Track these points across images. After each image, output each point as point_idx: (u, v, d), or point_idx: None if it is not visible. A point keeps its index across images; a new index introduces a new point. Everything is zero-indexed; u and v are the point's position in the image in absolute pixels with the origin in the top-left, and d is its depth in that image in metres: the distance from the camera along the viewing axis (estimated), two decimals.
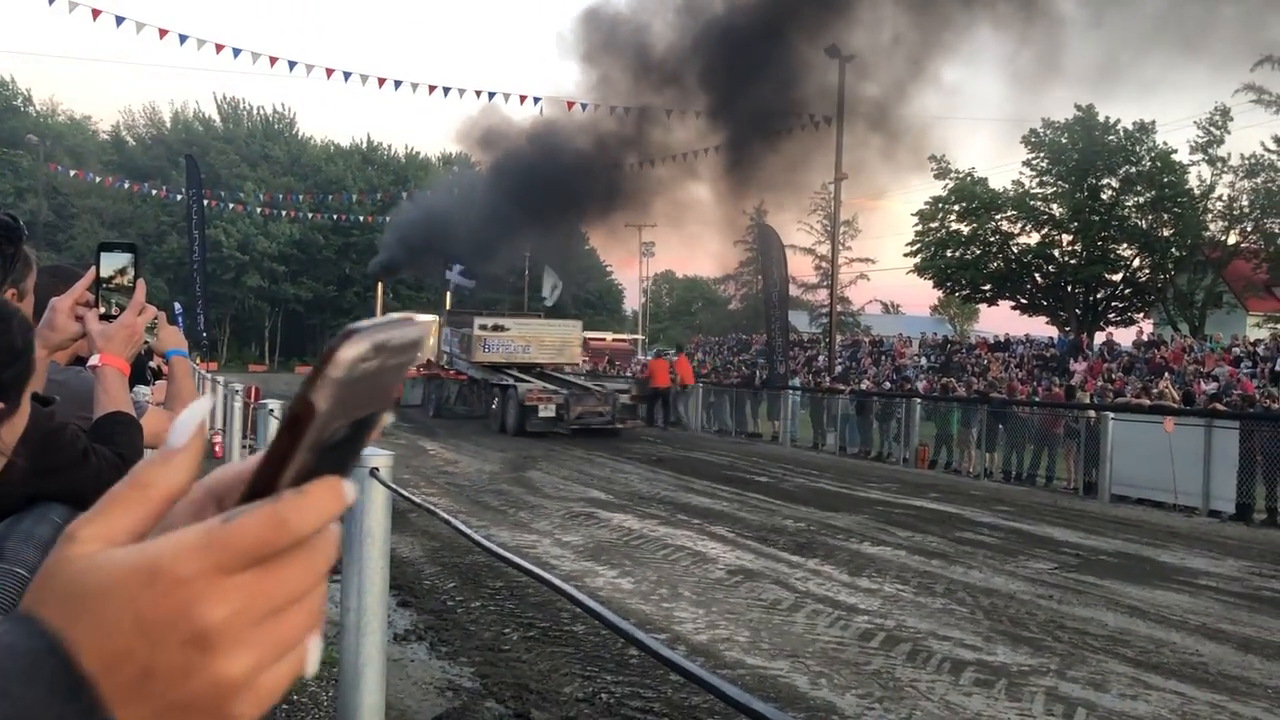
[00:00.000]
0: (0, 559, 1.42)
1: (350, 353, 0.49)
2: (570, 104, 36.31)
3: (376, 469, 3.88)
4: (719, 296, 76.77)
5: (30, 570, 1.42)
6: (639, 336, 65.23)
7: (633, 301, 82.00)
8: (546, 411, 23.10)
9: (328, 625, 5.18)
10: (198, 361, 33.91)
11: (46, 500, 1.81)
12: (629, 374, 31.48)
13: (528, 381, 24.48)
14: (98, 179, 56.05)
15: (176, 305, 46.69)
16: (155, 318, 3.17)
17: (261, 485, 0.51)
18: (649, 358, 33.74)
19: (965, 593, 8.29)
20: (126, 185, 53.79)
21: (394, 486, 3.88)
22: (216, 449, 14.51)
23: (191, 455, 0.54)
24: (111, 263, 2.30)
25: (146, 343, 3.22)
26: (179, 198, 54.04)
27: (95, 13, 24.46)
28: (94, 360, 2.19)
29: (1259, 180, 37.21)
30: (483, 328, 26.83)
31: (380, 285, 38.85)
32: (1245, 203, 38.15)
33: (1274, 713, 5.67)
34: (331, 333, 37.83)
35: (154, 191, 53.51)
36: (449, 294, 33.60)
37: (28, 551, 1.50)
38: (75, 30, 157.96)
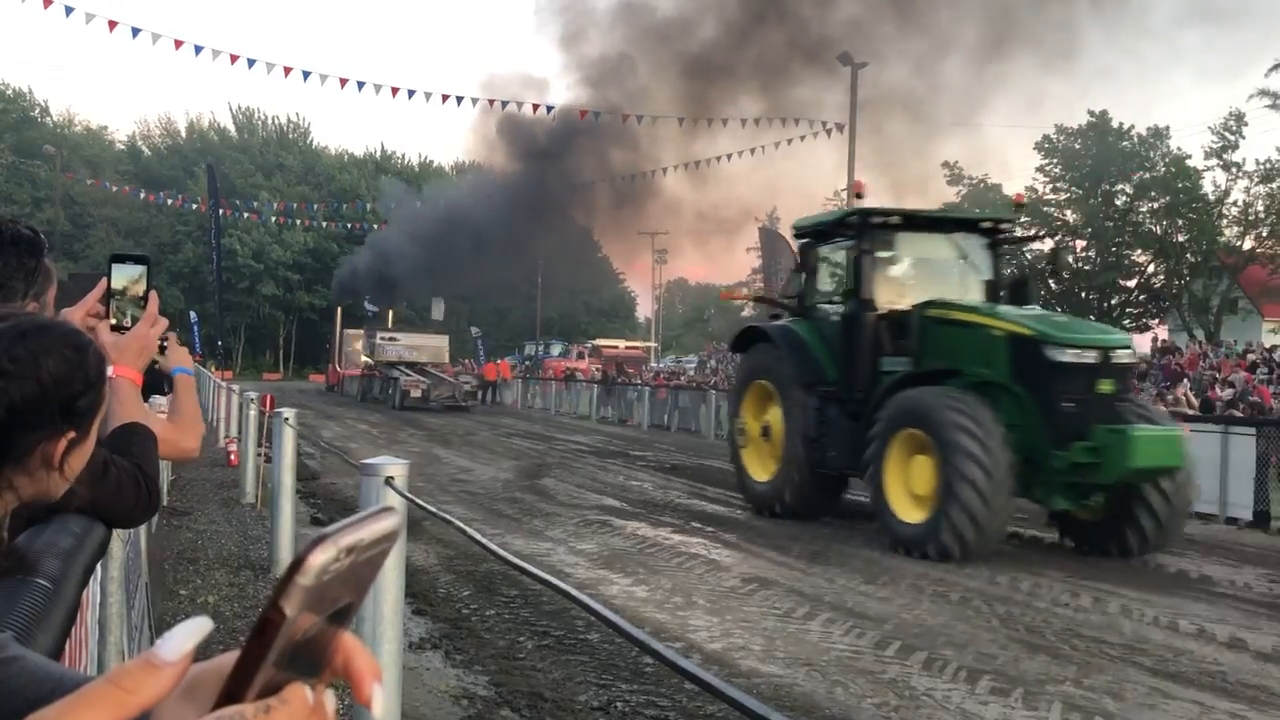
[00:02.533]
0: (23, 570, 1.43)
1: (320, 559, 0.50)
2: (583, 113, 36.44)
3: (391, 478, 3.90)
4: (732, 303, 76.81)
5: (52, 581, 1.43)
6: (652, 344, 65.28)
7: (645, 309, 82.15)
8: (416, 393, 34.77)
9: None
10: (213, 370, 34.13)
11: (66, 512, 1.82)
12: (469, 375, 42.06)
13: (409, 375, 36.44)
14: (114, 188, 56.45)
15: (192, 314, 46.93)
16: (166, 337, 3.20)
17: (233, 691, 0.51)
18: (485, 361, 47.13)
19: (981, 600, 8.25)
20: (142, 195, 54.16)
21: (409, 495, 3.89)
22: (232, 457, 14.57)
23: (178, 673, 0.54)
24: (124, 274, 2.31)
25: (155, 361, 3.24)
26: (194, 207, 54.43)
27: (112, 24, 24.67)
28: (107, 372, 2.21)
29: (1274, 185, 37.02)
30: (382, 338, 40.62)
31: (339, 311, 49.50)
32: (1260, 208, 37.97)
33: None
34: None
35: (170, 201, 53.80)
36: (365, 316, 47.61)
37: (50, 563, 1.51)
38: (92, 42, 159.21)
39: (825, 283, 13.82)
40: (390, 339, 40.73)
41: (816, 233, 13.27)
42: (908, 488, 10.63)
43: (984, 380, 10.74)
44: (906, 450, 10.67)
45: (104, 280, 2.30)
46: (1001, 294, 12.54)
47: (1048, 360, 10.33)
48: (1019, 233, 12.65)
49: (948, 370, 11.00)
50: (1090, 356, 10.47)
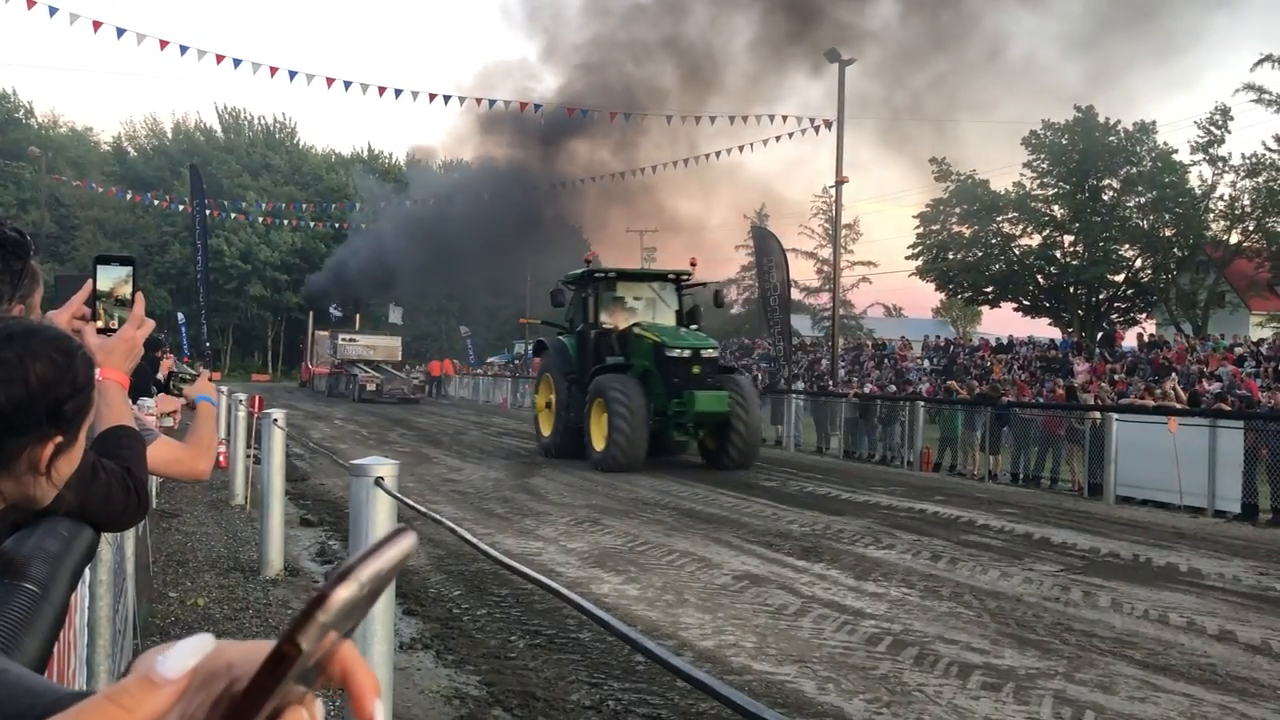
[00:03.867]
0: (10, 575, 1.42)
1: (343, 596, 0.50)
2: (571, 110, 36.40)
3: (381, 478, 3.89)
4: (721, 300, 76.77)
5: (40, 585, 1.42)
6: None
7: None
8: (370, 388, 40.61)
9: None
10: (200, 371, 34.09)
11: (54, 515, 1.81)
12: (417, 372, 48.01)
13: (366, 371, 42.37)
14: (100, 190, 56.16)
15: (180, 315, 46.78)
16: (198, 371, 3.30)
17: (241, 715, 0.51)
18: (433, 359, 55.77)
19: (972, 596, 8.27)
20: (128, 196, 53.91)
21: (398, 495, 3.88)
22: (221, 459, 14.52)
23: (179, 691, 0.53)
24: (109, 276, 2.30)
25: (182, 380, 3.31)
26: (181, 208, 54.20)
27: (96, 25, 24.52)
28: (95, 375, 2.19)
29: (1260, 179, 37.17)
30: (344, 339, 46.81)
31: (311, 313, 54.28)
32: (1247, 202, 38.11)
33: None
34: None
35: (156, 202, 53.58)
36: (330, 319, 52.89)
37: (37, 567, 1.50)
38: (77, 43, 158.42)
39: (580, 312, 20.35)
40: (350, 340, 46.97)
41: (570, 282, 20.74)
42: (600, 431, 17.48)
43: (644, 368, 18.11)
44: (599, 410, 17.55)
45: (89, 282, 2.29)
46: (683, 318, 20.10)
47: (666, 356, 17.82)
48: (693, 280, 20.58)
49: (629, 364, 18.38)
50: (687, 353, 17.87)
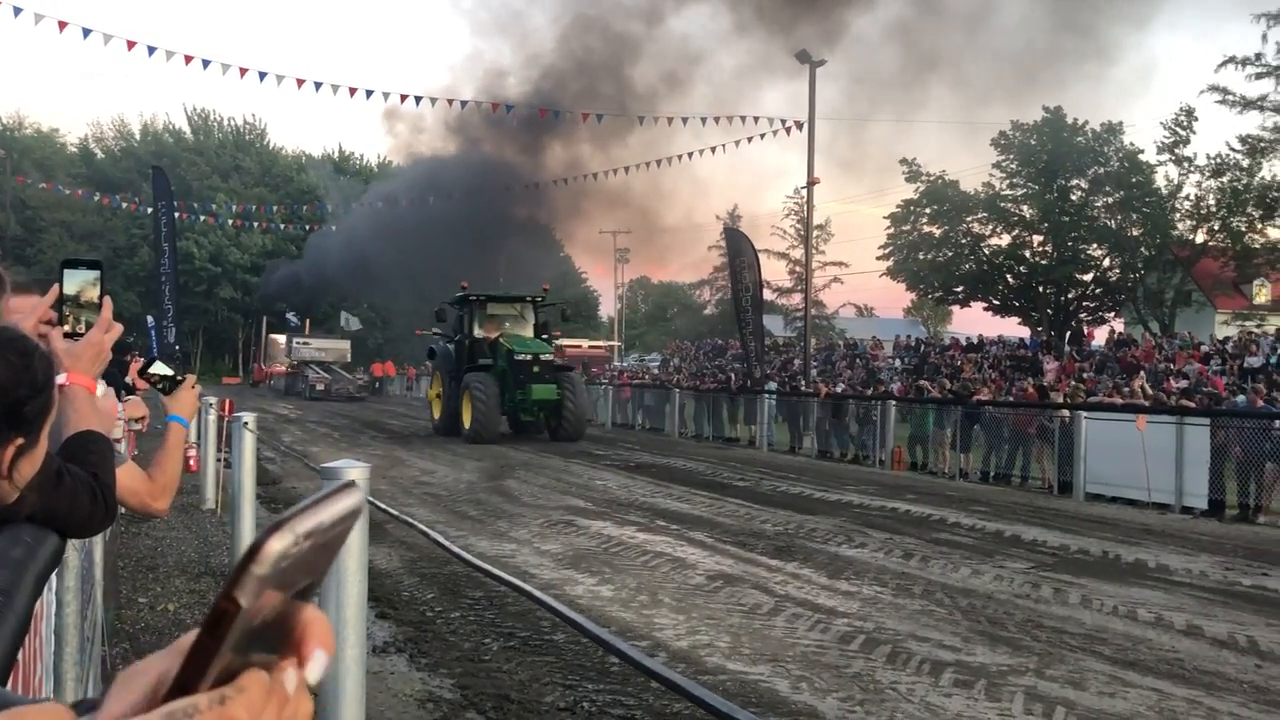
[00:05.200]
0: None
1: (277, 547, 0.49)
2: (543, 111, 36.33)
3: (353, 481, 3.87)
4: (694, 301, 76.83)
5: (3, 592, 1.41)
6: (615, 343, 65.23)
7: (608, 308, 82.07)
8: (320, 387, 45.81)
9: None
10: None
11: (16, 520, 1.79)
12: (358, 373, 52.61)
13: (317, 372, 47.45)
14: (67, 191, 55.51)
15: (149, 319, 46.32)
16: (182, 379, 3.13)
17: (186, 682, 0.49)
18: (375, 362, 59.52)
19: (943, 594, 8.33)
20: (96, 198, 53.29)
21: (370, 499, 3.86)
22: (191, 463, 14.39)
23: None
24: (76, 280, 2.27)
25: (160, 385, 3.16)
26: (150, 210, 53.63)
27: (62, 25, 24.27)
28: (61, 379, 2.16)
29: (1225, 179, 37.59)
30: (299, 342, 51.79)
31: (264, 318, 60.02)
32: (1212, 202, 38.52)
33: (1249, 707, 5.72)
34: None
35: (124, 204, 53.01)
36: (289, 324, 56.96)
37: (1, 573, 1.48)
38: (41, 43, 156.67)
39: (459, 326, 26.36)
40: (304, 343, 52.17)
41: (452, 303, 26.57)
42: (467, 414, 23.33)
43: (502, 368, 24.08)
44: (467, 399, 23.51)
45: (56, 286, 2.26)
46: (538, 329, 26.50)
47: (515, 359, 23.84)
48: (545, 301, 26.88)
49: (492, 364, 24.27)
50: (530, 356, 23.83)
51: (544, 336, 25.79)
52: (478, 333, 25.48)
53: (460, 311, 26.41)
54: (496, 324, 25.71)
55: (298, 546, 0.49)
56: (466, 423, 23.23)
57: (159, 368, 3.19)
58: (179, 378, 3.15)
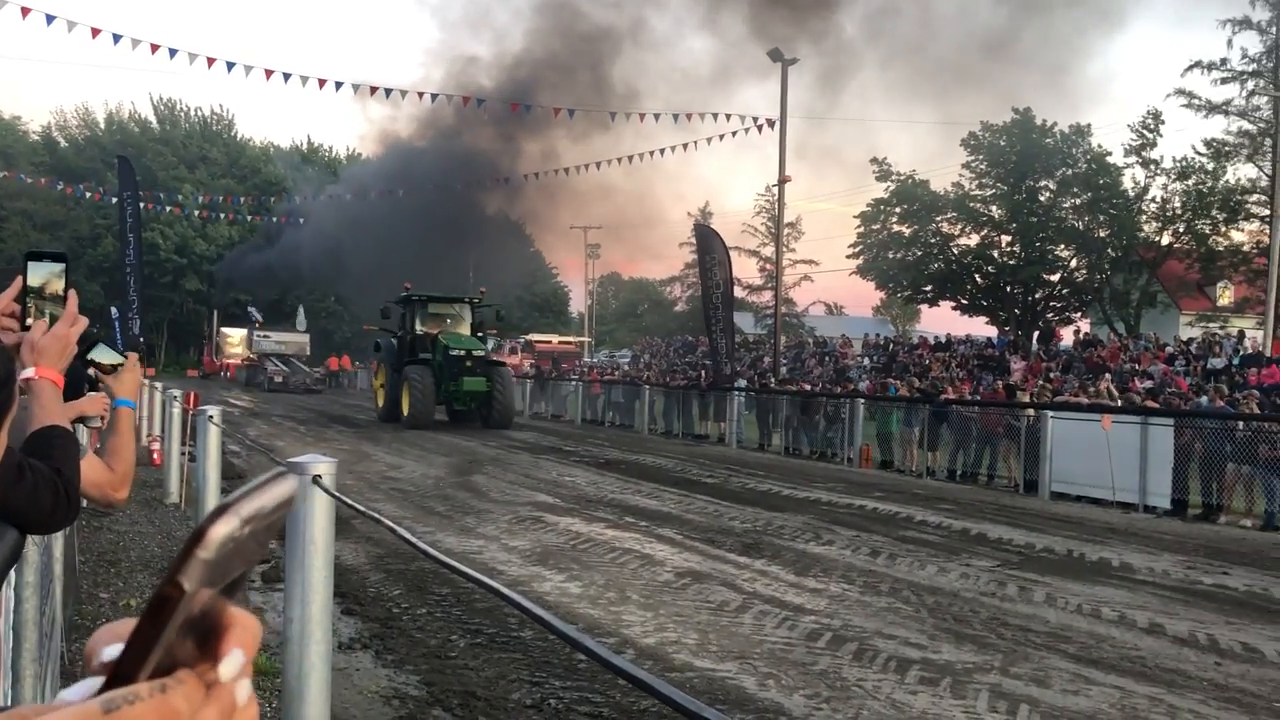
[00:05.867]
0: None
1: (222, 531, 0.49)
2: (515, 106, 36.21)
3: (319, 476, 3.82)
4: (665, 298, 76.89)
5: None
6: (585, 339, 65.17)
7: (579, 303, 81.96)
8: (279, 379, 47.50)
9: (270, 635, 5.03)
10: None
11: None
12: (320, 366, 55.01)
13: (275, 365, 49.54)
14: (29, 180, 54.74)
15: (113, 310, 45.76)
16: (125, 358, 3.02)
17: (127, 670, 0.49)
18: (331, 356, 59.52)
19: (910, 591, 8.37)
20: (60, 187, 52.58)
21: (336, 494, 3.82)
22: (155, 456, 14.25)
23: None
24: (40, 272, 2.23)
25: (101, 370, 3.05)
26: (114, 200, 53.00)
27: (25, 11, 23.90)
28: (27, 373, 2.12)
29: (1190, 182, 38.06)
30: (259, 335, 53.88)
31: (215, 311, 61.36)
32: (1178, 204, 39.00)
33: (1209, 704, 5.79)
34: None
35: (88, 194, 52.35)
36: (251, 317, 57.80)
37: None
38: (3, 29, 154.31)
39: (402, 323, 28.80)
40: (264, 336, 54.09)
41: (397, 303, 28.89)
42: (406, 403, 25.49)
43: (439, 362, 26.14)
44: (405, 390, 25.55)
45: (19, 278, 2.22)
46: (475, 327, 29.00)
47: (450, 354, 26.00)
48: (482, 302, 29.62)
49: (430, 359, 26.42)
50: (463, 352, 26.06)
51: (479, 334, 28.27)
52: (419, 329, 27.88)
53: (404, 310, 28.73)
54: (437, 322, 28.22)
55: (240, 531, 0.50)
56: (405, 411, 25.51)
57: (104, 354, 3.06)
58: (116, 362, 3.05)
